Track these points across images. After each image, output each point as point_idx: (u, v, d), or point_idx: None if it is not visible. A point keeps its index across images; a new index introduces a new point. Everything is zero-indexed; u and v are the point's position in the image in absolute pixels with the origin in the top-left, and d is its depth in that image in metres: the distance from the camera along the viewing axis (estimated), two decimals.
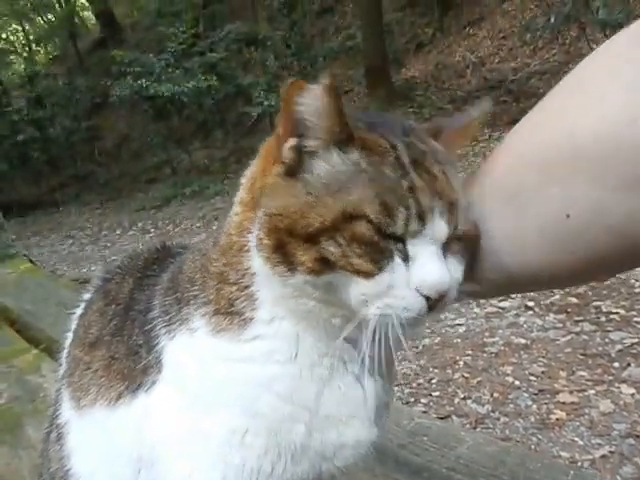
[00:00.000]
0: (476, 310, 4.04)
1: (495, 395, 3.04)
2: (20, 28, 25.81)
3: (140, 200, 12.25)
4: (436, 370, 3.41)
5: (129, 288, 0.91)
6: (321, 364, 0.73)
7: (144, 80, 11.74)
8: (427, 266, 0.66)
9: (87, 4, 24.13)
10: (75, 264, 8.44)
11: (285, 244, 0.67)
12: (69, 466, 0.90)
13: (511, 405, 2.95)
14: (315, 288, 0.68)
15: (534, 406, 2.91)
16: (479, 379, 3.21)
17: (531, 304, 3.93)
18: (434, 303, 0.66)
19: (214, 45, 13.17)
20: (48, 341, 2.24)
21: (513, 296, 4.10)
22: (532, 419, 2.82)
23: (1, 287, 3.10)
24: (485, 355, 3.44)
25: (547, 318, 3.72)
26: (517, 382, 3.12)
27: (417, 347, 3.71)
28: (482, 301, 4.13)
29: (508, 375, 3.19)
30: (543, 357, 3.29)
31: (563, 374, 3.10)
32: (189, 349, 0.76)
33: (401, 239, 0.66)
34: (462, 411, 2.98)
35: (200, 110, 14.07)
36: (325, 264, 0.65)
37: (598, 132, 0.60)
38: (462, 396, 3.11)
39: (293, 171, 0.69)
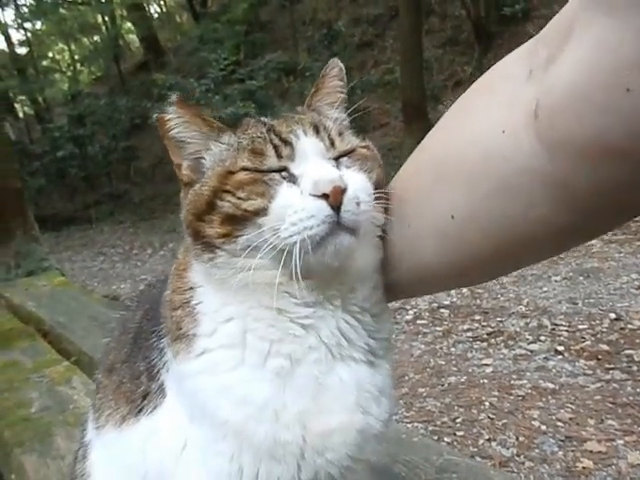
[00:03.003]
0: (504, 351, 3.98)
1: (520, 439, 2.97)
2: (66, 48, 26.76)
3: (172, 221, 12.36)
4: (461, 409, 3.35)
5: (139, 318, 0.97)
6: (278, 353, 0.75)
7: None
8: (311, 171, 0.73)
9: (132, 27, 24.93)
10: (105, 281, 8.55)
11: (199, 229, 0.76)
12: None
13: (536, 450, 2.88)
14: (241, 257, 0.73)
15: (560, 453, 2.83)
16: (505, 421, 3.14)
17: (561, 349, 3.85)
18: (335, 200, 0.69)
19: (254, 73, 13.42)
20: (79, 354, 2.29)
21: (542, 339, 4.03)
22: (558, 466, 2.74)
23: (36, 299, 3.18)
24: (512, 397, 3.37)
25: (577, 364, 3.63)
26: (544, 427, 3.04)
27: (442, 385, 3.66)
28: (511, 343, 4.07)
29: (535, 419, 3.12)
30: (571, 403, 3.21)
31: (591, 422, 3.02)
32: (170, 377, 0.83)
33: (284, 168, 0.75)
34: (486, 453, 2.92)
35: None
36: (230, 223, 0.73)
37: (474, 144, 0.68)
38: (487, 437, 3.04)
39: (193, 181, 0.81)
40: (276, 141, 0.76)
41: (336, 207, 0.69)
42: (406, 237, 0.79)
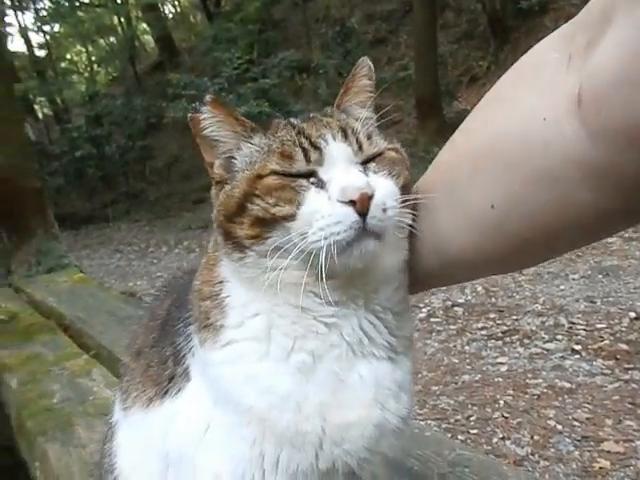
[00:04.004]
0: (519, 350, 3.96)
1: (536, 438, 2.96)
2: (83, 49, 27.05)
3: (187, 219, 12.47)
4: (475, 408, 3.34)
5: (167, 305, 1.00)
6: (301, 349, 0.78)
7: (198, 103, 11.98)
8: (339, 177, 0.75)
9: (147, 28, 25.11)
10: (122, 278, 8.64)
11: (229, 230, 0.78)
12: (115, 461, 0.99)
13: (552, 449, 2.86)
14: (269, 257, 0.75)
15: (576, 452, 2.81)
16: (519, 420, 3.13)
17: (578, 348, 3.81)
18: (362, 207, 0.71)
19: (267, 71, 13.45)
20: (98, 348, 2.33)
21: (559, 338, 4.00)
22: (574, 465, 2.72)
23: (56, 295, 3.24)
24: (527, 396, 3.35)
25: (595, 363, 3.60)
26: (559, 426, 3.02)
27: (456, 383, 3.65)
28: (526, 341, 4.04)
29: (550, 418, 3.10)
30: (588, 403, 3.18)
31: (609, 422, 2.99)
32: (196, 362, 0.86)
33: (312, 172, 0.76)
34: (500, 451, 2.91)
35: None
36: (259, 226, 0.75)
37: (513, 132, 0.68)
38: (501, 436, 3.03)
39: (224, 180, 0.83)
40: (305, 145, 0.77)
41: (363, 213, 0.71)
42: (440, 228, 0.80)
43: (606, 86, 0.55)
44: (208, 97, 0.81)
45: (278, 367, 0.77)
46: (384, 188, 0.76)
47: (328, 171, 0.76)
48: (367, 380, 0.80)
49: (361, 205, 0.71)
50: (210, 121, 0.81)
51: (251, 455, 0.78)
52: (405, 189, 0.81)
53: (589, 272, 5.20)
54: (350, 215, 0.71)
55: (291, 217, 0.73)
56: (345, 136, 0.79)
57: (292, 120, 0.85)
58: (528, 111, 0.66)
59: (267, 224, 0.75)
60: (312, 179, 0.76)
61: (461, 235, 0.78)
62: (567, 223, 0.66)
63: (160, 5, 24.18)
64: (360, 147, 0.80)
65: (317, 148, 0.77)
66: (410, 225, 0.81)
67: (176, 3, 27.49)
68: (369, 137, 0.82)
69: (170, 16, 27.49)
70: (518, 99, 0.70)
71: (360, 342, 0.80)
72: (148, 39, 27.03)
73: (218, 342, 0.80)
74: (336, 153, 0.77)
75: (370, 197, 0.72)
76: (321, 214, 0.72)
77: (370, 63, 0.89)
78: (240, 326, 0.80)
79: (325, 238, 0.71)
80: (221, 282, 0.84)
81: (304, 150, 0.77)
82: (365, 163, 0.80)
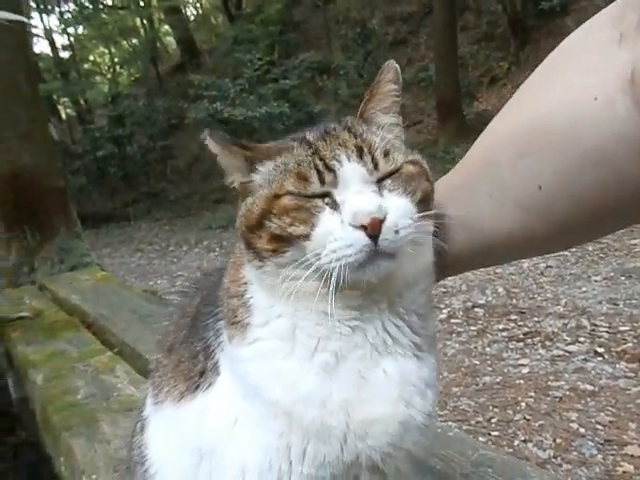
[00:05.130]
0: (541, 352, 3.92)
1: (558, 441, 2.92)
2: (106, 51, 27.42)
3: (207, 219, 12.57)
4: (496, 409, 3.31)
5: (197, 302, 1.02)
6: (324, 349, 0.79)
7: (219, 104, 12.19)
8: (351, 200, 0.75)
9: (169, 30, 25.37)
10: (143, 277, 8.72)
11: (250, 240, 0.80)
12: (146, 454, 1.01)
13: (574, 453, 2.83)
14: (287, 268, 0.77)
15: (599, 456, 2.77)
16: (541, 423, 3.10)
17: (601, 350, 3.77)
18: (373, 231, 0.71)
19: (288, 72, 13.56)
20: (121, 345, 2.36)
21: (581, 340, 3.95)
22: (597, 469, 2.69)
23: (80, 293, 3.28)
24: (549, 399, 3.32)
25: (618, 366, 3.55)
26: (582, 429, 2.98)
27: (477, 384, 3.62)
28: (548, 343, 4.00)
29: (573, 421, 3.06)
30: (611, 406, 3.14)
31: (633, 426, 2.94)
32: (225, 356, 0.88)
33: (327, 193, 0.76)
34: (522, 454, 2.88)
35: (270, 135, 14.44)
36: (277, 241, 0.77)
37: (562, 113, 0.67)
38: (522, 438, 3.00)
39: (246, 193, 0.85)
40: (320, 167, 0.77)
41: (374, 236, 0.72)
42: (479, 213, 0.81)
43: None
44: (206, 132, 0.81)
45: (303, 365, 0.79)
46: (397, 210, 0.75)
47: (342, 192, 0.76)
48: (392, 377, 0.80)
49: (372, 229, 0.71)
50: (216, 152, 0.83)
51: (278, 446, 0.80)
52: (424, 202, 0.81)
53: (612, 274, 5.13)
54: (361, 239, 0.71)
55: (306, 237, 0.75)
56: (360, 156, 0.78)
57: (308, 137, 0.84)
58: (577, 91, 0.66)
59: (284, 240, 0.76)
60: (327, 199, 0.77)
61: (507, 219, 0.78)
62: (619, 202, 0.66)
63: (182, 7, 24.42)
64: (376, 166, 0.79)
65: (331, 170, 0.77)
66: (433, 233, 0.81)
67: (198, 5, 27.77)
68: (386, 154, 0.81)
69: (192, 18, 27.78)
70: (566, 80, 0.69)
71: (384, 343, 0.81)
72: (170, 41, 27.33)
73: (245, 339, 0.82)
74: (350, 174, 0.76)
75: (382, 221, 0.72)
76: (334, 237, 0.73)
77: (396, 66, 0.87)
78: (265, 325, 0.82)
79: (337, 260, 0.72)
80: (246, 283, 0.86)
81: (319, 172, 0.77)
82: (381, 180, 0.79)
